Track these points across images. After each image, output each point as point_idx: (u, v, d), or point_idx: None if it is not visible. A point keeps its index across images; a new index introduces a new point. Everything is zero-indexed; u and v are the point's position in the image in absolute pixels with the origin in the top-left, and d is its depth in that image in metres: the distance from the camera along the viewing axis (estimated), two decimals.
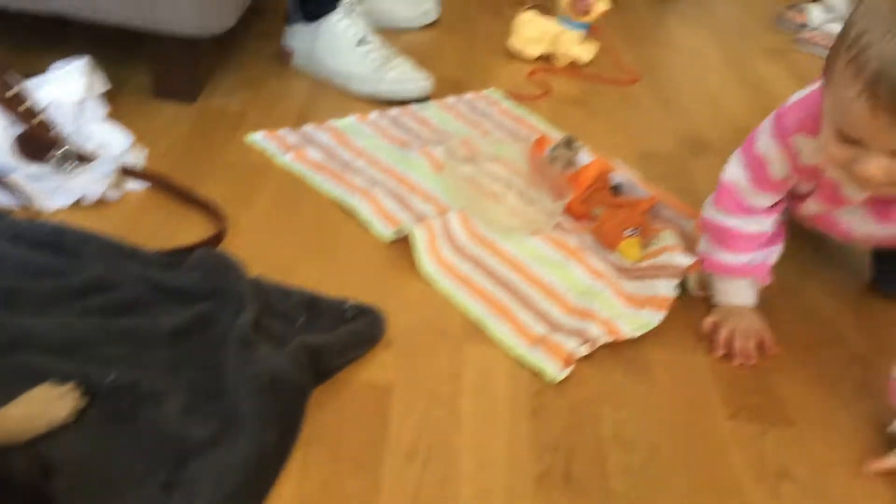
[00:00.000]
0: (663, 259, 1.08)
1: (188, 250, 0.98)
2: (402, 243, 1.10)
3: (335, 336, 0.86)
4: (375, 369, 0.89)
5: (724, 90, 1.73)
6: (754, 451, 0.86)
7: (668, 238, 1.12)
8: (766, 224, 1.02)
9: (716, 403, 0.92)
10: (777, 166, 0.97)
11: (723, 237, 1.03)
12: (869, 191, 0.85)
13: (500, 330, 0.98)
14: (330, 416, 0.82)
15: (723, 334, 0.99)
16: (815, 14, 2.11)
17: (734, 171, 1.01)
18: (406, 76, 1.45)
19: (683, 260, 1.06)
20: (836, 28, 1.98)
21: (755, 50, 1.97)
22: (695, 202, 1.28)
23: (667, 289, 1.04)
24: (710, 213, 1.04)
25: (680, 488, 0.81)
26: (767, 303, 1.06)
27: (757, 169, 0.99)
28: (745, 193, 1.00)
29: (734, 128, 1.56)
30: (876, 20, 0.72)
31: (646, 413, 0.89)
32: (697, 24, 2.08)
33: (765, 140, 0.97)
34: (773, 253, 1.04)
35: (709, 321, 1.01)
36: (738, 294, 1.03)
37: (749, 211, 1.01)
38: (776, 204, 1.01)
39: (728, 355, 0.98)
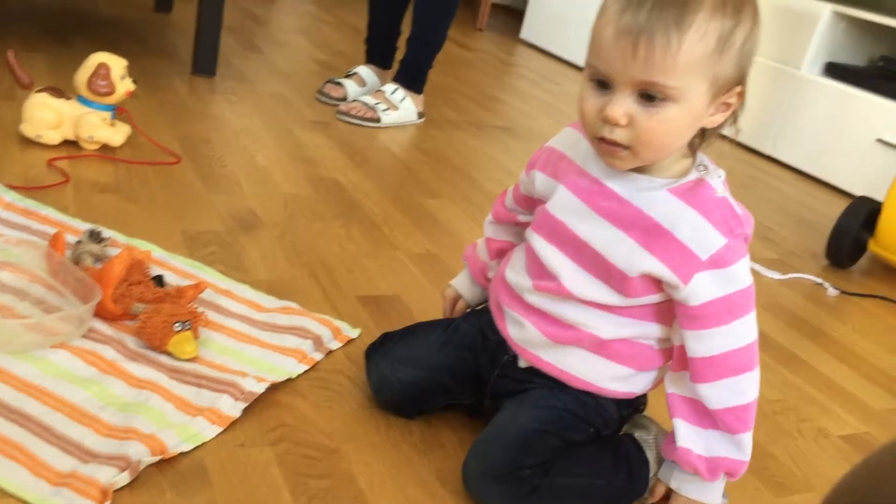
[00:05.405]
0: (230, 377, 0.98)
1: None
2: None
3: None
4: None
5: (272, 163, 1.71)
6: None
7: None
8: (497, 231, 1.06)
9: (286, 497, 0.83)
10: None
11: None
12: (608, 158, 0.81)
13: (12, 477, 0.78)
14: None
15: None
16: (351, 88, 2.23)
17: None
18: None
19: (255, 387, 0.96)
20: (370, 100, 2.15)
21: (300, 123, 2.00)
22: (249, 280, 1.21)
23: (230, 408, 0.93)
24: None
25: None
26: None
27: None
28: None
29: (284, 198, 1.54)
30: None
31: None
32: (241, 102, 2.06)
33: None
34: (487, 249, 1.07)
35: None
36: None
37: (500, 209, 1.05)
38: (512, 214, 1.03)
39: None
